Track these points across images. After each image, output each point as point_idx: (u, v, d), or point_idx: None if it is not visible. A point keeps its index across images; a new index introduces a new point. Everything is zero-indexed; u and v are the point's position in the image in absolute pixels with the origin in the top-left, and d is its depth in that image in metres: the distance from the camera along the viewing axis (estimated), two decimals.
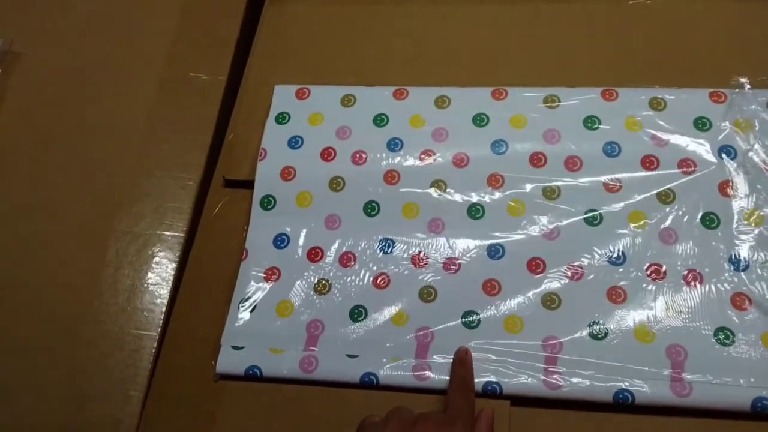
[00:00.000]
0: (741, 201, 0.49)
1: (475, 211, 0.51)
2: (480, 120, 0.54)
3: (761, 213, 0.48)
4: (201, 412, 0.47)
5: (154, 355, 0.50)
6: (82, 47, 0.65)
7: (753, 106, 0.52)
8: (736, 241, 0.48)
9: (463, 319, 0.47)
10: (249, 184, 0.55)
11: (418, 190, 0.52)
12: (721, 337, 0.44)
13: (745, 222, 0.48)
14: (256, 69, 0.61)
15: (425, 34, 0.60)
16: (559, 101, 0.54)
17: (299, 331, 0.48)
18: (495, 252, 0.50)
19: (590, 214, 0.50)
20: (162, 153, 0.58)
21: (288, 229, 0.52)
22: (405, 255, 0.51)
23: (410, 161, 0.54)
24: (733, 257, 0.47)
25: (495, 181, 0.52)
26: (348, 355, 0.47)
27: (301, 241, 0.52)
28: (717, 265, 0.47)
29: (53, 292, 0.53)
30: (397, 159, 0.54)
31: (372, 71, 0.59)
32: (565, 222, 0.50)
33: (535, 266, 0.49)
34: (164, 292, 0.53)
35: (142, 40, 0.64)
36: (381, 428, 0.40)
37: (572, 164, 0.52)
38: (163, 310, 0.52)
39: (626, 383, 0.43)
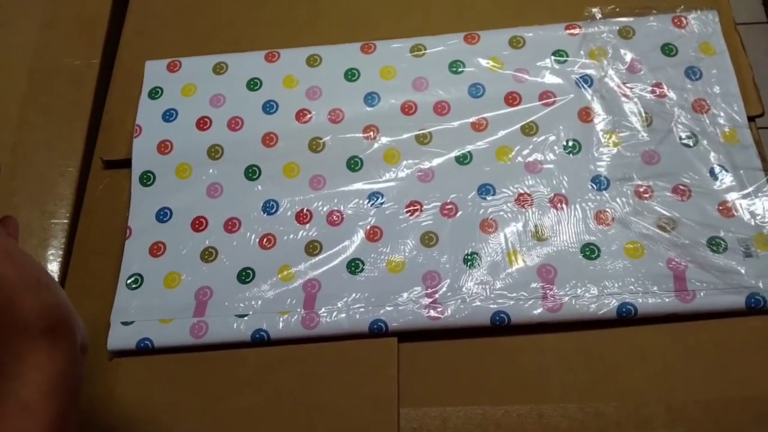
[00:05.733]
0: (600, 125, 0.52)
1: (353, 163, 0.52)
2: (351, 75, 0.55)
3: (619, 134, 0.51)
4: (98, 391, 0.47)
5: None
6: None
7: (605, 35, 0.54)
8: (598, 163, 0.50)
9: (348, 266, 0.49)
10: (128, 163, 0.55)
11: (297, 150, 0.53)
12: (587, 253, 0.47)
13: (605, 144, 0.51)
14: (128, 47, 0.60)
15: None
16: (425, 49, 0.55)
17: (187, 300, 0.49)
18: (375, 199, 0.51)
19: (460, 154, 0.51)
20: (38, 143, 0.57)
21: (169, 202, 0.52)
22: (289, 214, 0.51)
23: (287, 122, 0.54)
24: (595, 178, 0.50)
25: (370, 133, 0.53)
26: (238, 316, 0.48)
27: (183, 213, 0.52)
28: (581, 187, 0.50)
29: None
30: (274, 121, 0.54)
31: (243, 38, 0.59)
32: (437, 163, 0.51)
33: (413, 209, 0.50)
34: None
35: (7, 31, 0.62)
36: None
37: (441, 109, 0.53)
38: None
39: (502, 305, 0.46)
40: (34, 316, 0.32)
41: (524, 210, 0.49)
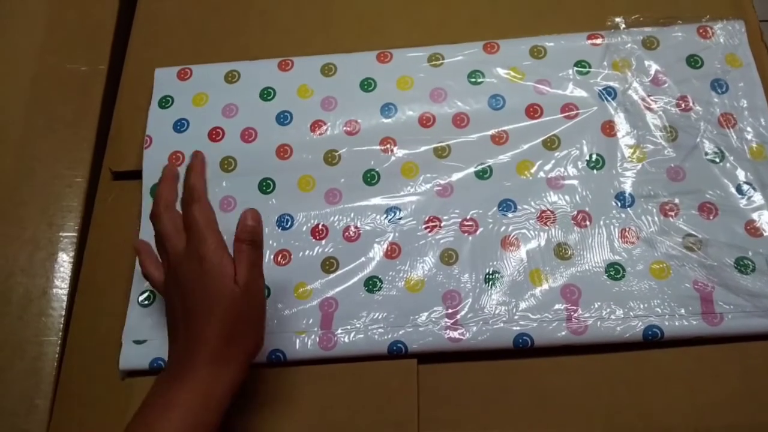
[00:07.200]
0: (624, 139, 0.50)
1: (370, 177, 0.51)
2: (367, 85, 0.54)
3: (643, 149, 0.50)
4: (110, 412, 0.46)
5: (57, 360, 0.49)
6: None
7: (629, 45, 0.53)
8: (622, 179, 0.49)
9: (366, 284, 0.47)
10: (138, 174, 0.53)
11: (312, 163, 0.52)
12: (612, 273, 0.46)
13: (629, 159, 0.50)
14: (137, 54, 0.59)
15: (305, 2, 0.59)
16: (443, 59, 0.54)
17: None
18: (393, 214, 0.50)
19: (480, 168, 0.50)
20: (43, 152, 0.56)
21: None
22: (304, 229, 0.50)
23: (301, 134, 0.53)
24: (619, 195, 0.48)
25: (387, 146, 0.52)
26: None
27: None
28: (605, 204, 0.48)
29: None
30: (288, 133, 0.53)
31: (254, 44, 0.57)
32: (456, 178, 0.50)
33: (432, 225, 0.49)
34: (62, 294, 0.51)
35: (12, 36, 0.61)
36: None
37: (460, 121, 0.52)
38: (62, 313, 0.50)
39: (525, 327, 0.45)
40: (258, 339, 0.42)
41: (547, 228, 0.48)
